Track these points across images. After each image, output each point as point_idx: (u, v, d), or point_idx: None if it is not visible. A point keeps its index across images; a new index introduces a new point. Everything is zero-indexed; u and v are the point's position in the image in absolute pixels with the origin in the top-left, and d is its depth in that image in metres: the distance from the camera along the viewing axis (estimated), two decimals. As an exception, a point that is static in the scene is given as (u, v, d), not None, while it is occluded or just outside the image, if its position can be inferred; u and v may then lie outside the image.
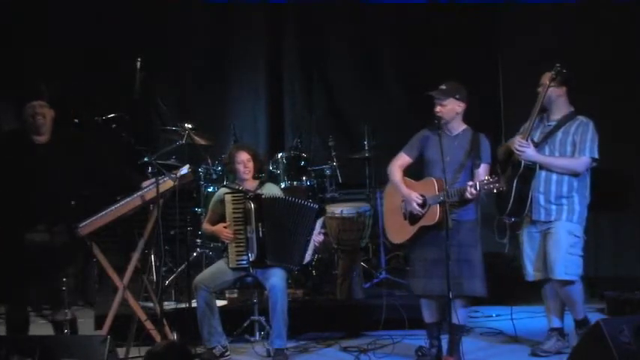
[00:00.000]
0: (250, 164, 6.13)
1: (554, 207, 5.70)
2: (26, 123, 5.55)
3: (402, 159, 5.83)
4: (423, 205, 5.60)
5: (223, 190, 6.22)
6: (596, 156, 5.70)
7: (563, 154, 5.72)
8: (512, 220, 5.82)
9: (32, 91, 5.60)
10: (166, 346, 4.03)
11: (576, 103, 5.88)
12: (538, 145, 5.73)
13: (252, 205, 5.98)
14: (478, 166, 5.55)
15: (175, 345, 4.21)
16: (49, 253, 5.44)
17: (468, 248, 5.59)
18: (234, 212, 6.02)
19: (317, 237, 6.05)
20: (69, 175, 5.53)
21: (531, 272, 5.84)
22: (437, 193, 5.53)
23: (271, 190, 6.21)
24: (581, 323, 5.81)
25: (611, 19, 7.64)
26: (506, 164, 5.82)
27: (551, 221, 5.70)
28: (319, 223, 6.07)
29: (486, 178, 5.39)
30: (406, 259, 6.62)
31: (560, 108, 5.79)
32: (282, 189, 7.06)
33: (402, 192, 5.72)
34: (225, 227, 6.01)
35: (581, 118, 5.76)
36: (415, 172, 5.88)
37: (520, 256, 5.92)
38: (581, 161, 5.68)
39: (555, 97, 5.75)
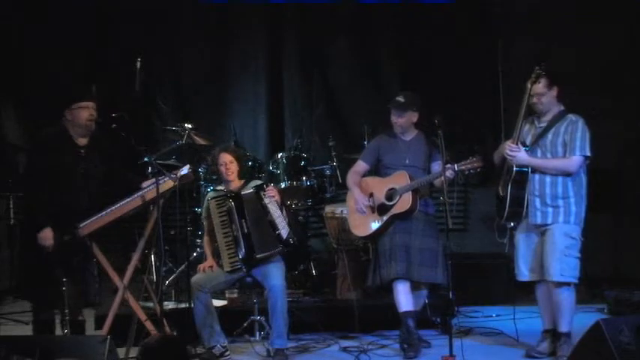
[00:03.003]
0: (232, 166, 6.13)
1: (550, 209, 5.66)
2: (75, 124, 5.62)
3: (359, 166, 6.25)
4: (391, 197, 5.94)
5: (209, 195, 6.26)
6: (588, 154, 5.64)
7: (554, 155, 5.68)
8: (511, 225, 5.84)
9: (84, 93, 5.68)
10: (160, 339, 4.01)
11: (576, 102, 5.87)
12: (529, 148, 5.69)
13: (233, 203, 5.99)
14: (445, 157, 5.74)
15: (169, 338, 4.19)
16: (78, 251, 5.56)
17: (430, 238, 5.98)
18: (219, 215, 6.05)
19: (270, 194, 6.00)
20: (101, 176, 5.69)
21: (525, 272, 5.81)
22: (408, 182, 5.89)
23: (252, 185, 6.19)
24: (564, 336, 5.71)
25: (613, 16, 7.65)
26: (501, 169, 5.82)
27: (548, 224, 5.67)
28: (268, 200, 5.99)
29: (465, 160, 5.68)
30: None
31: (551, 109, 5.74)
32: (282, 188, 7.07)
33: (354, 193, 6.11)
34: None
35: (570, 116, 5.70)
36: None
37: (514, 255, 5.88)
38: (573, 161, 5.63)
39: (551, 99, 5.70)
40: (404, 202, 5.92)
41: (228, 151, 6.20)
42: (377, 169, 6.22)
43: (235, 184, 6.19)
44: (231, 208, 6.00)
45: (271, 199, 6.01)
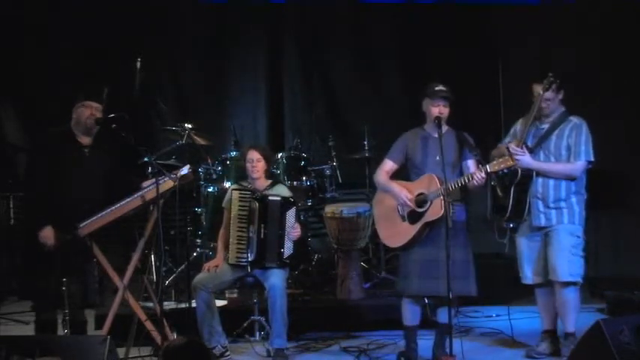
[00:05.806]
0: (259, 164, 6.11)
1: (553, 211, 5.64)
2: (77, 121, 5.68)
3: (387, 165, 5.77)
4: (421, 204, 5.53)
5: (232, 186, 6.25)
6: (592, 158, 5.63)
7: (558, 158, 5.66)
8: (512, 225, 5.80)
9: (93, 93, 5.74)
10: (184, 342, 4.00)
11: (576, 103, 5.86)
12: (532, 151, 5.66)
13: (257, 205, 5.98)
14: (477, 156, 5.53)
15: (193, 341, 4.19)
16: (78, 251, 5.56)
17: (464, 249, 5.56)
18: (240, 210, 6.03)
19: (293, 231, 5.99)
20: (104, 176, 5.71)
21: (530, 276, 5.80)
22: (438, 187, 5.44)
23: (279, 191, 6.18)
24: (571, 335, 5.69)
25: (611, 19, 7.65)
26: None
27: (552, 225, 5.65)
28: (291, 215, 6.02)
29: (496, 159, 5.33)
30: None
31: (554, 110, 5.71)
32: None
33: (393, 190, 5.64)
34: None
35: (574, 119, 5.68)
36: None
37: (518, 259, 5.86)
38: (578, 166, 5.62)
39: (557, 103, 5.68)
40: (436, 208, 5.42)
41: (257, 149, 6.16)
42: (405, 168, 5.80)
43: (261, 182, 6.17)
44: (255, 210, 5.98)
45: (295, 222, 6.00)
